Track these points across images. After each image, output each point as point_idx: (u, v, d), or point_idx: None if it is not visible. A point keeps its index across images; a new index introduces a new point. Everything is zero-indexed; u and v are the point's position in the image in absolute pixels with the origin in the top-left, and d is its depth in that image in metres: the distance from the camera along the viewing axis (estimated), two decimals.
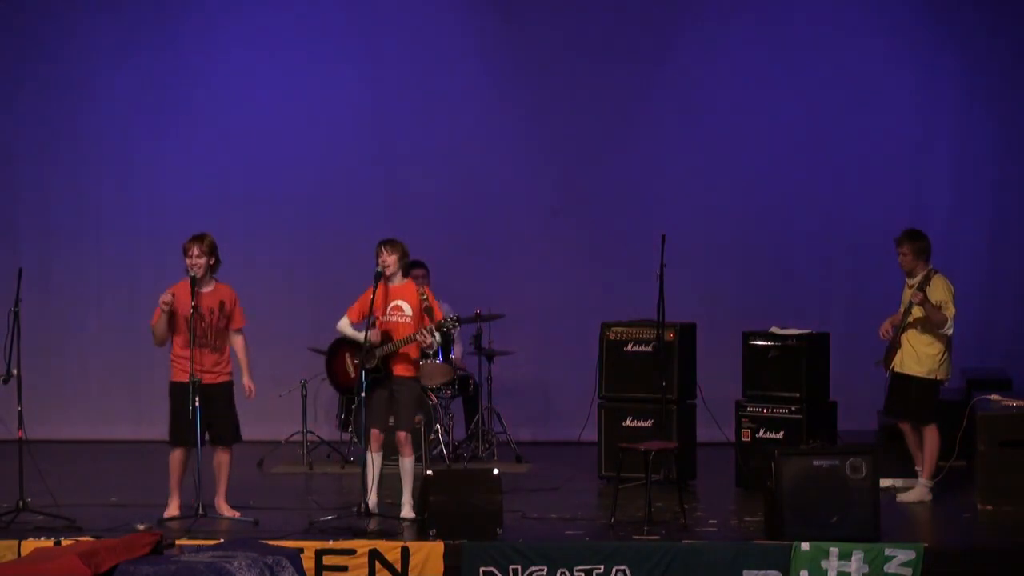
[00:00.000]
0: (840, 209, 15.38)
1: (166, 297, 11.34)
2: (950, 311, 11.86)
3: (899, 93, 15.33)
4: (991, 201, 15.28)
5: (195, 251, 11.39)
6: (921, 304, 11.82)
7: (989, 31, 15.18)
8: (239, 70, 15.69)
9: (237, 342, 11.55)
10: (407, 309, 11.42)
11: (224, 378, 11.49)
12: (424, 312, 11.36)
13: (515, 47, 15.62)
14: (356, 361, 11.48)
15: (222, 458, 11.51)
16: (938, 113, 15.32)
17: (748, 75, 15.42)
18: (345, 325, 11.55)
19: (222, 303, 11.46)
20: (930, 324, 11.88)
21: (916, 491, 12.07)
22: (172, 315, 11.38)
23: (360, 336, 11.40)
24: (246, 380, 11.54)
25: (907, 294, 12.02)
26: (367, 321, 11.43)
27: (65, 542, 10.49)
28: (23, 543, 10.53)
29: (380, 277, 11.40)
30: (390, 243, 11.47)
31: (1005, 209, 15.26)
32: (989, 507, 11.68)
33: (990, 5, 15.19)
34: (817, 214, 15.40)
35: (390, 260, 11.40)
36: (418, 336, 11.30)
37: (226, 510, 11.50)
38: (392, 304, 11.44)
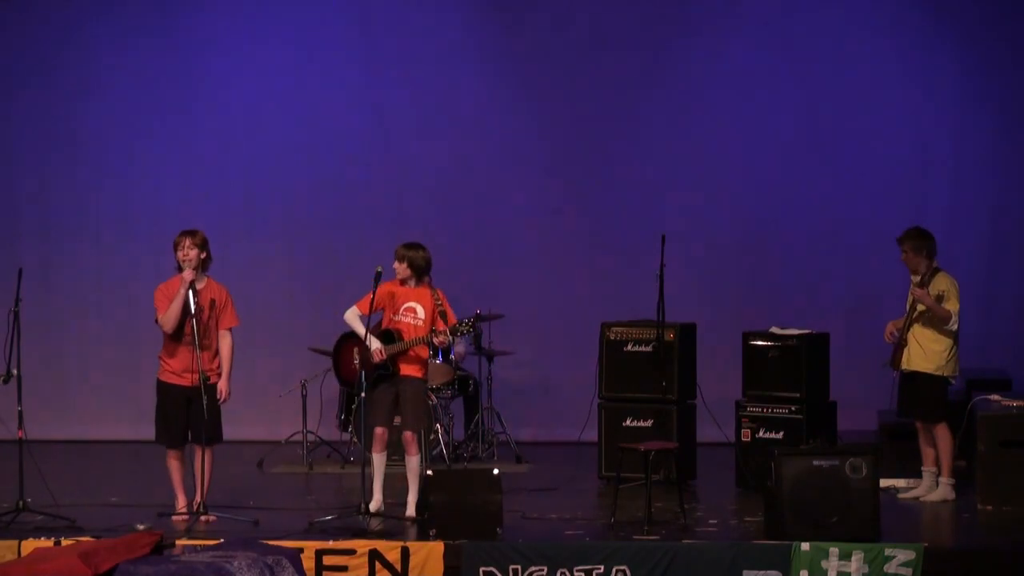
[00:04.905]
0: (840, 209, 15.37)
1: (187, 275, 11.26)
2: (953, 305, 11.84)
3: (899, 93, 15.33)
4: (991, 201, 15.28)
5: (187, 243, 11.31)
6: (921, 299, 11.82)
7: (990, 31, 15.18)
8: (239, 70, 15.69)
9: (224, 342, 11.47)
10: (420, 312, 11.40)
11: (215, 378, 11.44)
12: (439, 316, 11.34)
13: (515, 47, 15.62)
14: (356, 361, 11.46)
15: (206, 459, 11.44)
16: (938, 113, 15.32)
17: (749, 75, 15.42)
18: (353, 316, 11.42)
19: (213, 301, 11.40)
20: (935, 320, 11.88)
21: (941, 491, 12.03)
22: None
23: (372, 342, 11.36)
24: (222, 383, 11.40)
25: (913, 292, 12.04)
26: (377, 317, 11.44)
27: (65, 542, 10.48)
28: (23, 543, 10.52)
29: (379, 278, 11.38)
30: (403, 247, 11.48)
31: (1005, 209, 15.26)
32: (989, 507, 11.69)
33: (991, 5, 15.19)
34: (817, 214, 15.40)
35: (399, 267, 11.43)
36: (434, 338, 11.30)
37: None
38: (405, 305, 11.43)
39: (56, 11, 15.71)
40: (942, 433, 11.99)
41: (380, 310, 11.43)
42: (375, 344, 11.31)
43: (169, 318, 11.26)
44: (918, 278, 11.98)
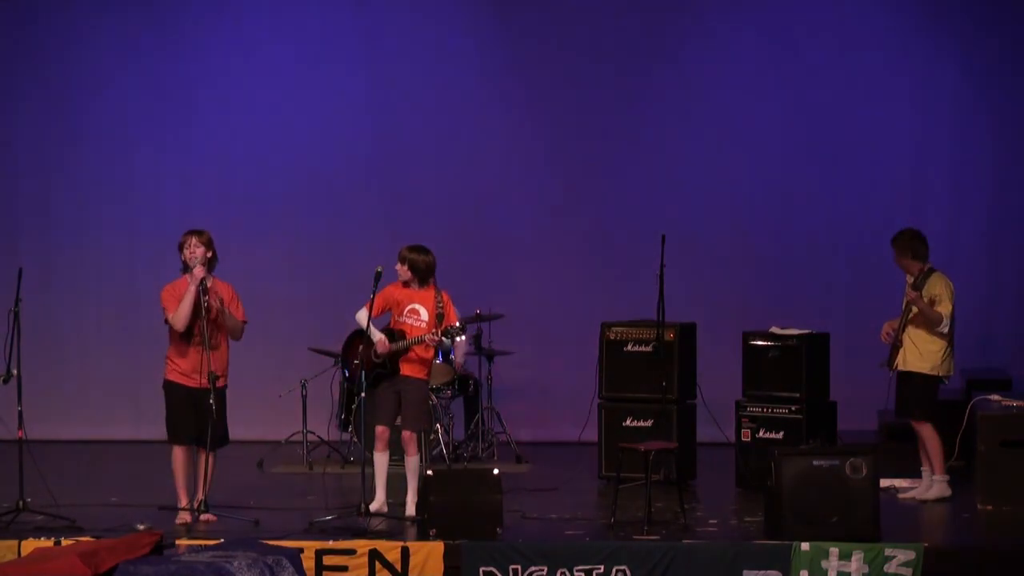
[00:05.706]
0: (840, 209, 15.38)
1: (198, 271, 11.22)
2: (945, 308, 11.84)
3: (899, 93, 15.34)
4: (991, 201, 15.28)
5: (193, 241, 11.30)
6: (914, 301, 11.84)
7: (989, 31, 15.19)
8: (240, 70, 15.69)
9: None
10: (423, 314, 11.43)
11: (222, 382, 11.43)
12: (436, 318, 11.36)
13: (515, 46, 15.62)
14: (357, 361, 11.48)
15: (209, 461, 11.43)
16: (938, 113, 15.32)
17: (748, 75, 15.42)
18: (363, 316, 11.43)
19: (220, 300, 11.38)
20: (926, 322, 11.89)
21: (936, 488, 12.03)
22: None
23: (374, 334, 11.39)
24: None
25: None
26: (385, 319, 11.47)
27: (65, 542, 10.48)
28: (23, 543, 10.52)
29: (379, 278, 11.39)
30: (406, 249, 11.50)
31: (1005, 209, 15.27)
32: (989, 507, 11.70)
33: (990, 5, 15.19)
34: (817, 214, 15.40)
35: (400, 268, 11.46)
36: (427, 338, 11.32)
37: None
38: (409, 307, 11.47)
39: (57, 11, 15.71)
40: (927, 432, 11.98)
41: (388, 311, 11.48)
42: (377, 335, 11.35)
43: (180, 316, 11.24)
44: (912, 279, 12.00)
